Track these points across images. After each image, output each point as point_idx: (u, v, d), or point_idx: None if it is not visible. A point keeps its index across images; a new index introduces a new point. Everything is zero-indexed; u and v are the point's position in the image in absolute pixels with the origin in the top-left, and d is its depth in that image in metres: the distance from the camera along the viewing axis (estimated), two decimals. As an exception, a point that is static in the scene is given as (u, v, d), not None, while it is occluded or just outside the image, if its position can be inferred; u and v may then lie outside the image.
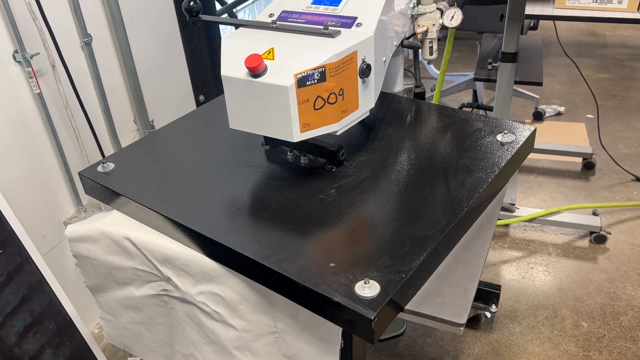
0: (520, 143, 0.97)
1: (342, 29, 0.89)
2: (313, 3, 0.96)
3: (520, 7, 1.75)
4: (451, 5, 1.13)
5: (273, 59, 0.84)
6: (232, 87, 0.85)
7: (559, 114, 2.90)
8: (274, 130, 0.85)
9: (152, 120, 1.74)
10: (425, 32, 1.15)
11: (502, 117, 1.93)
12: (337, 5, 0.94)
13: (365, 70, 0.87)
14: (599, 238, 2.00)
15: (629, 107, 2.92)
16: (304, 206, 0.87)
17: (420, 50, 1.18)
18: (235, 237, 0.81)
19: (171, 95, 1.85)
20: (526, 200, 2.26)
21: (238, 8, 2.17)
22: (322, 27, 0.89)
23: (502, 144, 0.97)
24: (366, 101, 0.92)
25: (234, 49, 0.88)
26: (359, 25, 0.90)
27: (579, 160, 2.45)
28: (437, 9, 1.15)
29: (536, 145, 2.42)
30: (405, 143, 1.01)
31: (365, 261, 0.73)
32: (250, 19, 0.97)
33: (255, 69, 0.81)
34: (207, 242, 0.83)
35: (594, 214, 2.11)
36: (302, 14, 0.95)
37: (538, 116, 2.85)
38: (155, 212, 0.89)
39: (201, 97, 1.97)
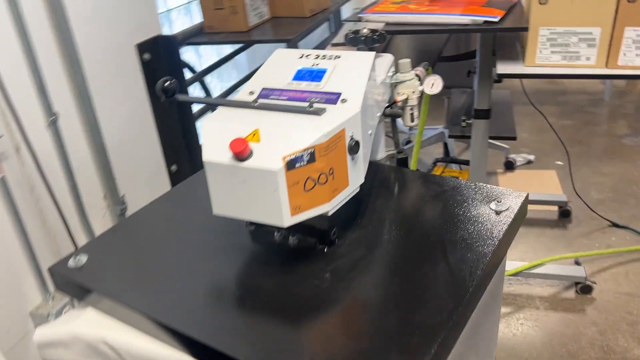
0: (515, 211, 0.94)
1: (327, 106, 0.86)
2: (294, 79, 0.93)
3: (491, 64, 1.77)
4: (426, 70, 1.12)
5: (258, 140, 0.79)
6: (216, 172, 0.80)
7: (529, 162, 2.94)
8: (263, 215, 0.80)
9: (123, 196, 1.66)
10: (406, 100, 1.13)
11: (479, 172, 1.94)
12: (320, 81, 0.91)
13: (354, 147, 0.84)
14: (585, 288, 1.98)
15: (595, 152, 2.99)
16: (298, 294, 0.81)
17: (401, 117, 1.16)
18: (226, 337, 0.74)
19: (142, 166, 1.79)
20: (509, 253, 2.23)
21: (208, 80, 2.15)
22: (306, 104, 0.86)
23: (497, 212, 0.94)
24: (356, 177, 0.88)
25: (216, 131, 0.83)
26: (344, 101, 0.87)
27: (555, 208, 2.46)
28: (415, 75, 1.14)
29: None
30: (397, 216, 0.97)
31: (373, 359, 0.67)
32: (229, 99, 0.93)
33: (241, 153, 0.76)
34: (193, 343, 0.76)
35: (577, 263, 2.10)
36: (284, 90, 0.92)
37: (509, 166, 2.89)
38: (135, 310, 0.81)
39: (173, 168, 1.91)
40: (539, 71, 1.51)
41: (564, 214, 2.43)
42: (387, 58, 1.13)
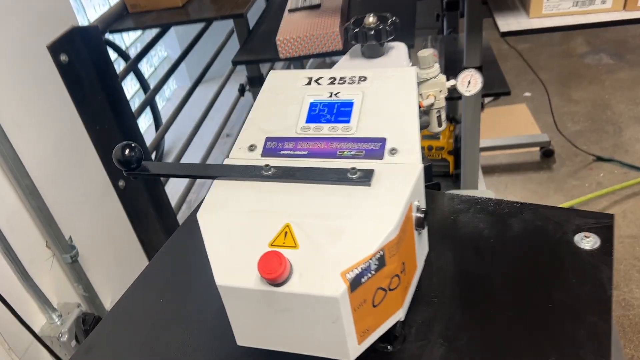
0: (613, 246, 0.74)
1: (371, 163, 0.60)
2: (309, 121, 0.66)
3: (481, 15, 1.53)
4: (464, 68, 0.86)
5: (295, 245, 0.54)
6: (239, 299, 0.55)
7: (496, 97, 2.77)
8: (317, 349, 0.56)
9: (70, 238, 1.36)
10: (432, 104, 0.88)
11: (473, 130, 1.73)
12: (349, 122, 0.65)
13: (423, 221, 0.59)
14: (588, 239, 1.87)
15: (561, 77, 2.86)
16: None
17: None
18: None
19: (84, 194, 1.47)
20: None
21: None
22: (339, 162, 0.60)
23: (591, 254, 0.73)
24: (422, 251, 0.65)
25: (224, 231, 0.56)
26: (394, 152, 0.61)
27: (536, 148, 2.32)
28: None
29: (491, 143, 2.29)
30: (463, 276, 0.74)
31: None
32: (226, 164, 0.65)
33: (279, 278, 0.51)
34: None
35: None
36: (298, 140, 0.65)
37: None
38: None
39: (121, 184, 1.60)
40: (549, 23, 1.28)
41: (547, 153, 2.30)
42: (401, 49, 0.86)
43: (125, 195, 1.60)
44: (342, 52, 1.44)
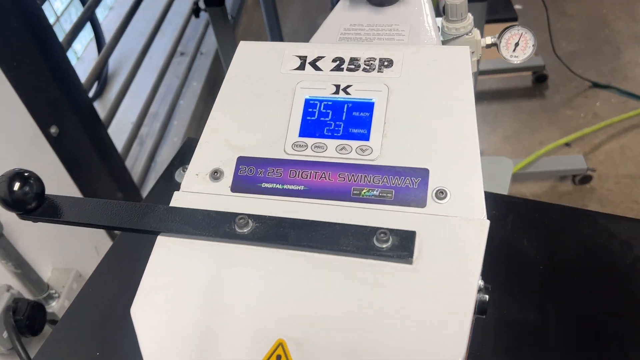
0: (701, 283, 0.56)
1: (406, 213, 0.38)
2: (305, 134, 0.42)
3: None
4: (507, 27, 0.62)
5: (294, 380, 0.33)
6: None
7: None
8: None
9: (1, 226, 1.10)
10: (462, 68, 0.64)
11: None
12: (368, 138, 0.41)
13: (486, 305, 0.39)
14: (584, 179, 1.73)
15: (554, -14, 2.57)
16: None
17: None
18: None
19: (6, 146, 1.20)
20: (488, 142, 1.91)
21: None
22: (351, 203, 0.38)
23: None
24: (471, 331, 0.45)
25: (173, 351, 0.35)
26: (442, 196, 0.39)
27: (529, 73, 2.10)
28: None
29: (480, 66, 2.06)
30: (507, 326, 0.55)
31: None
32: (171, 205, 0.42)
33: None
34: None
35: (567, 145, 1.83)
36: (289, 165, 0.42)
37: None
38: None
39: (54, 130, 1.33)
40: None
41: (540, 79, 2.08)
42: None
43: (59, 143, 1.33)
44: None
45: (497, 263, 0.61)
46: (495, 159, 0.88)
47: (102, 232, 1.43)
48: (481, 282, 0.38)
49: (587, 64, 2.12)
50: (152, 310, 0.36)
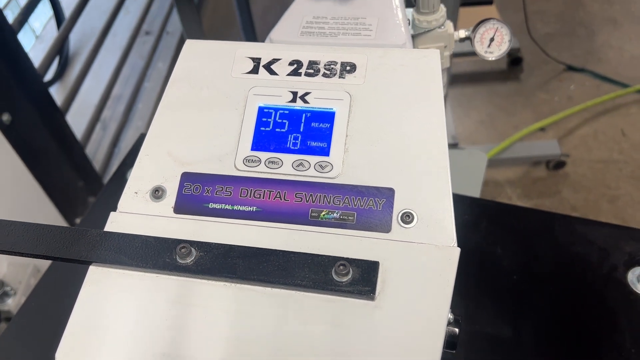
0: (679, 292, 0.54)
1: (369, 238, 0.34)
2: (258, 147, 0.38)
3: None
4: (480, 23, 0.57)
5: None
6: None
7: None
8: None
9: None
10: (434, 63, 0.60)
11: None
12: (327, 153, 0.37)
13: (456, 339, 0.35)
14: (558, 164, 1.71)
15: (530, -35, 2.52)
16: None
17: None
18: None
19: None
20: (462, 126, 1.88)
21: None
22: (309, 227, 0.34)
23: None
24: None
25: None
26: (409, 219, 0.35)
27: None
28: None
29: (455, 49, 2.00)
30: (480, 337, 0.52)
31: None
32: (105, 229, 0.37)
33: None
34: None
35: (541, 129, 1.81)
36: (239, 182, 0.37)
37: None
38: None
39: (5, 117, 1.25)
40: None
41: (515, 61, 2.06)
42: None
43: (13, 131, 1.25)
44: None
45: (469, 273, 0.58)
46: (468, 153, 0.85)
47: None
48: (451, 316, 0.34)
49: (562, 47, 2.10)
50: (77, 358, 0.31)
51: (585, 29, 2.18)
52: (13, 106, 1.23)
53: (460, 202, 0.63)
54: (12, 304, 1.16)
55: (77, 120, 1.59)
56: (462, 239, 0.59)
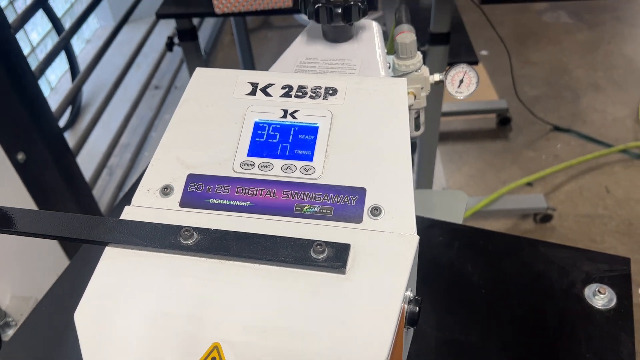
0: (632, 305, 0.59)
1: (343, 227, 0.41)
2: (252, 153, 0.45)
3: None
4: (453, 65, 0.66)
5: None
6: None
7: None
8: None
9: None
10: (411, 104, 0.68)
11: (436, 103, 1.54)
12: (311, 158, 0.44)
13: (416, 316, 0.41)
14: (545, 218, 1.78)
15: (519, 35, 2.69)
16: None
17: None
18: None
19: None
20: (453, 179, 1.96)
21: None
22: (293, 219, 0.41)
23: (606, 316, 0.58)
24: (407, 345, 0.47)
25: (114, 353, 0.36)
26: (377, 212, 0.42)
27: (493, 115, 2.18)
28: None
29: (446, 108, 2.11)
30: (449, 345, 0.58)
31: None
32: (121, 217, 0.44)
33: None
34: None
35: (529, 184, 1.89)
36: (236, 182, 0.44)
37: (432, 62, 2.52)
38: None
39: (20, 156, 1.33)
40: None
41: (504, 121, 2.16)
42: (373, 30, 0.66)
43: (26, 169, 1.33)
44: (290, 11, 1.20)
45: (442, 286, 0.64)
46: (450, 193, 0.91)
47: (63, 260, 1.41)
48: (411, 294, 0.40)
49: (549, 108, 2.22)
50: (94, 316, 0.37)
51: (570, 93, 2.31)
52: (28, 146, 1.31)
53: (437, 226, 0.70)
54: (13, 335, 1.19)
55: (85, 165, 1.68)
56: (436, 257, 0.65)
